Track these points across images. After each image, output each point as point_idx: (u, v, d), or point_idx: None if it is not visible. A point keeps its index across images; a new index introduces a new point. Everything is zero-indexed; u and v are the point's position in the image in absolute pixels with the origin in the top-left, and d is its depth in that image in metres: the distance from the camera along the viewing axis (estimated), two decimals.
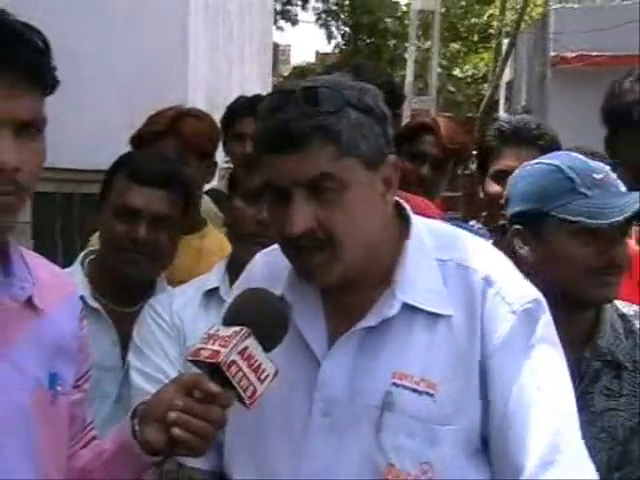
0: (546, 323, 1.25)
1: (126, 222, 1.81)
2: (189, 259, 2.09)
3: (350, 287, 1.23)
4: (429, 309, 1.22)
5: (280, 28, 18.64)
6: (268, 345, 1.15)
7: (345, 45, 18.09)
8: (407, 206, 1.30)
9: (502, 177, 2.07)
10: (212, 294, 1.75)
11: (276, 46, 15.73)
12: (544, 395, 1.20)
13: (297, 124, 1.15)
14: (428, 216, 1.48)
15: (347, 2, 17.47)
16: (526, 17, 13.52)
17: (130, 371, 1.73)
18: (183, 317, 1.73)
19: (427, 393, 1.20)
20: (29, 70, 1.09)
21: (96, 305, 1.83)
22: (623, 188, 1.51)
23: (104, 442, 1.28)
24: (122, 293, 1.86)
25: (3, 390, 1.14)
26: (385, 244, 1.24)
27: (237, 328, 1.13)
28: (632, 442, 1.51)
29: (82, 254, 1.93)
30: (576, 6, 13.10)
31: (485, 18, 17.46)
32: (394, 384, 1.20)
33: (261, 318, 1.16)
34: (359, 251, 1.20)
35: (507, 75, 14.09)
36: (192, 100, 4.28)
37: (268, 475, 1.25)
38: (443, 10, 17.24)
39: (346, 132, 1.16)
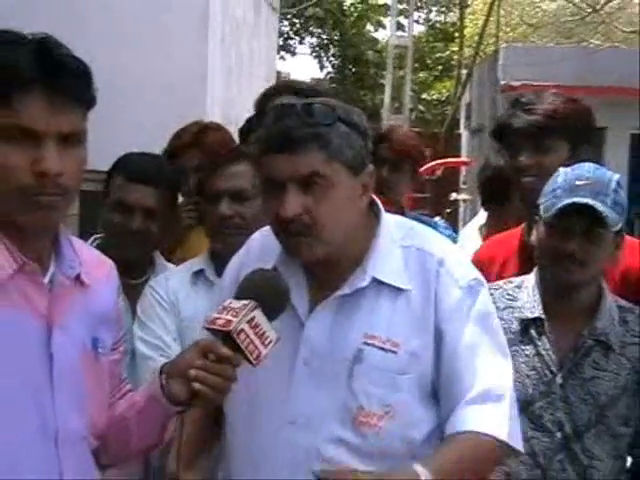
0: (484, 296, 1.31)
1: (122, 214, 1.80)
2: (203, 244, 2.06)
3: (329, 264, 1.27)
4: (393, 283, 1.27)
5: (282, 58, 18.69)
6: (271, 316, 1.15)
7: (334, 73, 18.06)
8: (379, 203, 1.34)
9: None
10: (199, 275, 1.75)
11: (279, 73, 15.70)
12: (481, 350, 1.26)
13: (297, 131, 1.19)
14: None
15: (336, 38, 17.46)
16: (480, 53, 13.55)
17: (134, 340, 1.72)
18: (177, 294, 1.73)
19: (391, 351, 1.25)
20: (72, 92, 1.08)
21: None
22: (606, 195, 1.47)
23: (137, 394, 1.27)
24: (126, 270, 1.86)
25: (58, 351, 1.15)
26: (359, 232, 1.29)
27: (246, 302, 1.14)
28: (609, 408, 1.52)
29: (90, 240, 1.93)
30: (520, 45, 13.14)
31: (447, 53, 17.52)
32: (365, 343, 1.25)
33: (266, 294, 1.17)
34: (337, 236, 1.24)
35: (466, 98, 14.12)
36: (210, 116, 4.26)
37: (257, 412, 1.29)
38: (414, 46, 17.37)
39: (335, 141, 1.20)
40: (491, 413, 1.23)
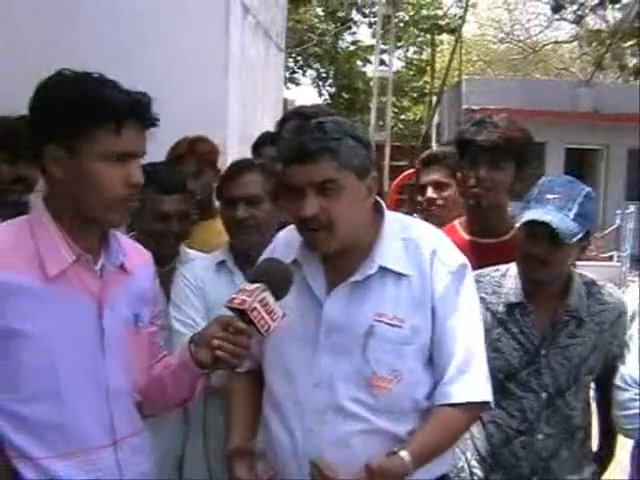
0: (469, 279, 1.30)
1: (161, 221, 1.80)
2: (213, 237, 2.07)
3: (343, 255, 1.26)
4: (396, 269, 1.25)
5: (288, 88, 18.68)
6: (279, 295, 1.15)
7: (330, 99, 18.03)
8: (383, 203, 1.32)
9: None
10: (221, 265, 1.74)
11: (286, 99, 15.62)
12: (464, 327, 1.26)
13: (312, 145, 1.19)
14: None
15: (332, 71, 17.42)
16: (447, 83, 13.54)
17: (170, 319, 1.71)
18: (204, 280, 1.73)
19: (397, 326, 1.23)
20: (149, 121, 1.14)
21: None
22: (569, 209, 1.43)
23: (172, 358, 1.27)
24: (158, 260, 1.86)
25: (108, 324, 1.17)
26: (366, 228, 1.27)
27: (258, 284, 1.14)
28: (581, 367, 1.52)
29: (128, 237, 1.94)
30: (478, 77, 13.10)
31: (421, 83, 17.47)
32: (375, 320, 1.23)
33: (274, 278, 1.17)
34: (348, 231, 1.23)
35: (436, 119, 14.11)
36: (230, 135, 4.26)
37: (289, 378, 1.27)
38: (394, 77, 17.33)
39: (344, 152, 1.20)
40: (467, 382, 1.23)
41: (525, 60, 16.02)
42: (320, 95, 18.58)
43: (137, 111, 1.12)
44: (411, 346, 1.23)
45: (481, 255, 1.64)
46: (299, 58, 17.75)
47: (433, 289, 1.25)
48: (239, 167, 1.76)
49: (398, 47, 17.87)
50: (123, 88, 1.14)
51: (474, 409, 1.26)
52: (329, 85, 18.28)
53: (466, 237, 1.80)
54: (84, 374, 1.14)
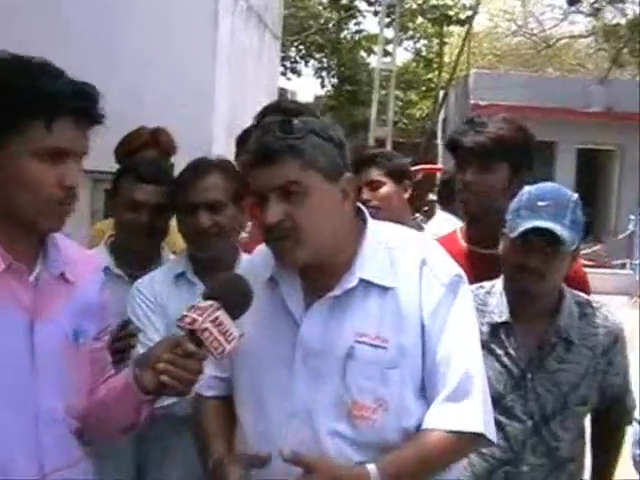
0: (465, 292, 1.20)
1: (132, 211, 1.72)
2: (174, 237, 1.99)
3: (320, 270, 1.17)
4: (379, 282, 1.16)
5: (289, 78, 18.63)
6: (234, 315, 1.07)
7: (333, 91, 17.95)
8: (365, 210, 1.25)
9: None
10: (181, 277, 1.66)
11: (285, 90, 15.57)
12: (459, 348, 1.16)
13: (273, 145, 1.12)
14: None
15: (334, 62, 17.35)
16: (455, 77, 13.49)
17: None
18: (163, 295, 1.64)
19: (381, 346, 1.14)
20: (93, 116, 1.08)
21: (119, 272, 1.74)
22: (564, 216, 1.40)
23: (116, 380, 1.20)
24: (136, 262, 1.79)
25: (40, 340, 1.10)
26: (346, 238, 1.18)
27: (211, 302, 1.07)
28: (571, 395, 1.46)
29: (106, 236, 1.85)
30: (487, 71, 13.07)
31: (429, 77, 17.39)
32: (356, 341, 1.14)
33: (230, 295, 1.09)
34: (318, 239, 1.14)
35: (442, 115, 14.05)
36: (215, 127, 4.17)
37: (262, 409, 1.19)
38: (402, 70, 17.28)
39: (309, 151, 1.12)
40: (460, 408, 1.13)
41: (538, 55, 15.93)
42: (322, 86, 18.54)
43: (75, 105, 1.04)
44: (397, 369, 1.14)
45: (478, 266, 1.58)
46: (301, 47, 17.67)
47: (422, 304, 1.16)
48: (198, 169, 1.65)
49: (406, 38, 17.84)
50: (68, 78, 1.07)
51: (465, 440, 1.15)
52: (332, 76, 18.21)
53: (463, 245, 1.74)
54: (9, 396, 1.07)
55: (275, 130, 1.13)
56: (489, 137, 1.64)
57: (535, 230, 1.39)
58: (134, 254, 1.78)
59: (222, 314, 1.07)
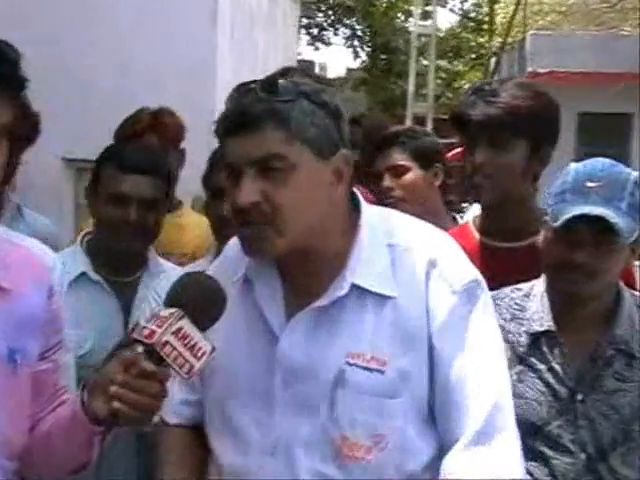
0: (485, 302, 1.11)
1: (118, 207, 1.69)
2: (172, 234, 1.99)
3: (305, 269, 1.09)
4: (376, 290, 1.08)
5: (317, 48, 18.52)
6: (203, 325, 1.00)
7: (368, 62, 17.80)
8: (360, 195, 1.15)
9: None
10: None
11: (311, 62, 15.54)
12: (481, 373, 1.06)
13: (252, 108, 1.03)
14: None
15: (368, 27, 17.19)
16: (509, 40, 13.18)
17: None
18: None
19: (377, 370, 1.06)
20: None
21: (97, 278, 1.71)
22: (620, 200, 1.30)
23: (64, 409, 1.13)
24: (119, 266, 1.75)
25: None
26: (336, 229, 1.10)
27: (172, 310, 0.99)
28: (636, 422, 1.34)
29: (81, 235, 1.81)
30: (546, 32, 12.74)
31: (479, 42, 17.09)
32: (347, 363, 1.06)
33: (196, 300, 1.02)
34: (302, 229, 1.05)
35: None
36: (219, 103, 4.17)
37: (238, 443, 1.12)
38: (447, 35, 16.99)
39: (296, 118, 1.03)
40: (489, 453, 1.03)
41: (611, 10, 15.37)
42: (356, 57, 18.41)
43: None
44: (398, 399, 1.05)
45: (493, 262, 1.50)
46: (330, 13, 17.59)
47: (430, 316, 1.06)
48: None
49: None
50: None
51: None
52: (365, 44, 18.06)
53: (476, 238, 1.66)
54: None
55: (256, 90, 1.03)
56: (501, 108, 1.54)
57: (583, 218, 1.29)
58: (116, 257, 1.74)
59: (187, 324, 1.00)
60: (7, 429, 1.08)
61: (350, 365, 1.06)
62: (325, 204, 1.07)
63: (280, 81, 1.04)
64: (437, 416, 1.07)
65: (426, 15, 12.64)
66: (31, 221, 2.03)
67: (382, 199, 2.08)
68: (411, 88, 10.54)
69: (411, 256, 1.09)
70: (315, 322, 1.08)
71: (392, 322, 1.07)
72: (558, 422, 1.35)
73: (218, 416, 1.15)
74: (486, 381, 1.06)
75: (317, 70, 16.79)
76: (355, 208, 1.14)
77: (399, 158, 2.09)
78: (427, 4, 11.71)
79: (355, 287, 1.07)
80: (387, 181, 2.08)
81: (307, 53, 19.02)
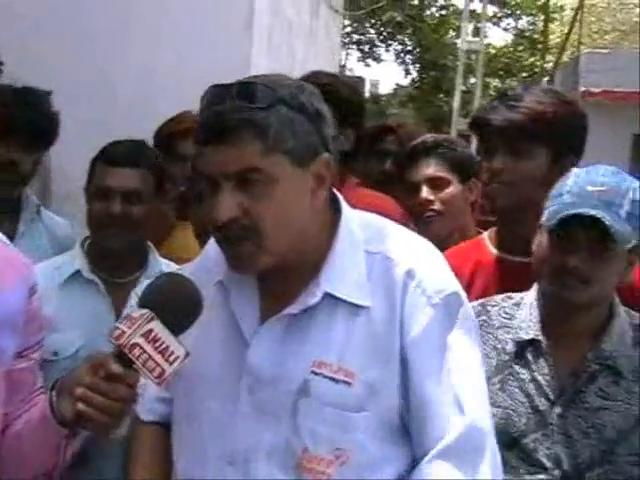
0: (464, 315, 1.06)
1: (102, 201, 1.67)
2: (181, 238, 1.96)
3: (282, 275, 1.06)
4: (349, 300, 1.04)
5: (367, 65, 18.62)
6: (175, 328, 0.96)
7: (418, 78, 17.75)
8: (341, 198, 1.12)
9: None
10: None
11: (360, 78, 15.57)
12: (458, 389, 1.02)
13: (228, 117, 0.98)
14: (388, 214, 1.30)
15: (418, 44, 17.13)
16: (563, 58, 12.92)
17: None
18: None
19: (344, 381, 1.02)
20: None
21: (92, 277, 1.69)
22: (619, 206, 1.25)
23: (35, 409, 1.11)
24: (116, 266, 1.72)
25: None
26: (315, 236, 1.06)
27: (143, 311, 0.96)
28: (618, 444, 1.28)
29: (83, 236, 1.80)
30: (602, 50, 12.40)
31: (531, 60, 16.87)
32: (313, 372, 1.03)
33: (168, 303, 0.99)
34: (285, 242, 1.02)
35: None
36: None
37: (201, 447, 1.09)
38: (499, 52, 16.77)
39: (274, 128, 0.99)
40: (473, 466, 1.00)
41: None
42: (407, 74, 18.38)
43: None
44: (364, 412, 1.02)
45: (509, 278, 1.47)
46: (381, 29, 17.63)
47: (405, 328, 1.02)
48: None
49: (505, 15, 17.36)
50: None
51: None
52: (416, 61, 18.01)
53: (492, 252, 1.59)
54: None
55: (231, 97, 0.99)
56: (523, 113, 1.48)
57: (579, 221, 1.23)
58: (109, 254, 1.72)
59: (157, 326, 0.97)
60: None
61: (316, 374, 1.03)
62: (307, 212, 1.04)
63: (258, 86, 1.00)
64: (411, 430, 1.04)
65: (478, 32, 12.51)
66: (49, 222, 2.05)
67: (417, 211, 2.00)
68: (456, 105, 10.42)
69: (389, 265, 1.05)
70: (285, 329, 1.06)
71: (364, 333, 1.03)
72: (535, 435, 1.29)
73: (182, 421, 1.14)
74: (463, 398, 1.02)
75: (368, 86, 16.85)
76: (335, 211, 1.10)
77: (439, 169, 2.00)
78: (479, 21, 11.56)
79: (328, 295, 1.04)
80: (425, 193, 1.99)
81: (359, 69, 19.09)
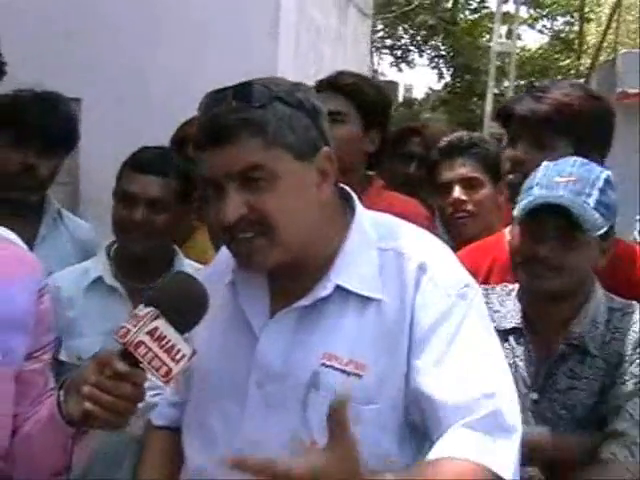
0: (478, 306, 1.08)
1: (126, 206, 1.68)
2: (207, 244, 1.92)
3: (292, 272, 1.08)
4: (361, 292, 1.06)
5: (400, 69, 18.58)
6: (180, 327, 0.96)
7: (451, 83, 17.58)
8: (355, 197, 1.14)
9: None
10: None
11: (393, 83, 15.51)
12: (481, 375, 1.02)
13: (225, 119, 1.01)
14: (414, 217, 1.34)
15: (450, 47, 16.99)
16: (599, 59, 12.66)
17: None
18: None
19: (355, 374, 1.03)
20: None
21: (114, 284, 1.71)
22: (588, 195, 1.28)
23: (44, 408, 1.11)
24: (140, 271, 1.73)
25: None
26: (327, 231, 1.08)
27: (148, 309, 0.96)
28: (590, 422, 1.32)
29: (108, 242, 1.81)
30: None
31: (567, 62, 16.59)
32: (323, 364, 1.05)
33: (173, 301, 1.00)
34: (295, 235, 1.04)
35: None
36: None
37: (209, 439, 1.11)
38: (533, 55, 16.51)
39: (272, 124, 1.01)
40: (498, 446, 0.99)
41: None
42: (440, 78, 18.25)
43: None
44: (374, 405, 1.03)
45: None
46: (413, 33, 17.52)
47: (417, 320, 1.03)
48: None
49: (540, 16, 17.09)
50: None
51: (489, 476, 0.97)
52: (449, 65, 17.87)
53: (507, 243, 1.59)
54: None
55: (227, 100, 1.02)
56: (548, 104, 1.50)
57: (548, 209, 1.26)
58: (133, 258, 1.73)
59: (163, 324, 0.96)
60: None
61: (325, 367, 1.04)
62: (314, 206, 1.06)
63: (254, 86, 1.03)
64: (426, 422, 1.02)
65: (511, 34, 12.33)
66: (71, 225, 2.07)
67: (448, 212, 1.98)
68: (488, 108, 10.27)
69: (401, 260, 1.07)
70: (296, 322, 1.07)
71: (375, 326, 1.05)
72: None
73: (192, 417, 1.16)
74: (486, 384, 1.01)
75: (402, 91, 16.77)
76: (348, 208, 1.13)
77: (473, 170, 1.97)
78: (512, 23, 11.39)
79: (339, 288, 1.06)
80: (458, 193, 1.97)
81: (392, 74, 19.01)
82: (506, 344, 1.37)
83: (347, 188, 1.14)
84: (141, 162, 1.70)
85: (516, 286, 1.43)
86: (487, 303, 1.37)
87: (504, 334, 1.37)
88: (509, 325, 1.39)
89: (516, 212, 1.33)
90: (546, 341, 1.36)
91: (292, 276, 1.08)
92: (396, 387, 1.03)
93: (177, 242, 1.89)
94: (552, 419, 1.32)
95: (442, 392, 1.00)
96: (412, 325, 1.03)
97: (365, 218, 1.11)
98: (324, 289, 1.05)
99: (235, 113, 1.00)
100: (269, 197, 1.01)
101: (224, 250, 1.19)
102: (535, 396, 1.34)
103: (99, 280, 1.72)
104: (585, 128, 1.49)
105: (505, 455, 0.98)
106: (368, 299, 1.05)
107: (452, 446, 0.97)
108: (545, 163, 1.37)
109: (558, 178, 1.29)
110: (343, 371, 1.03)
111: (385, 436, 1.04)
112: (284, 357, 1.06)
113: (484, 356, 1.03)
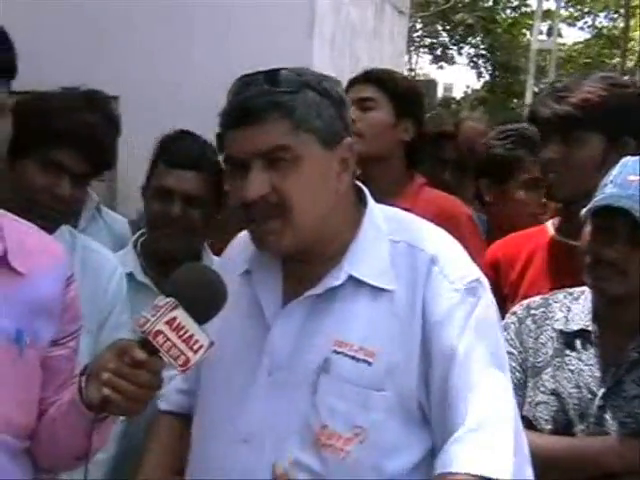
0: (486, 302, 1.08)
1: (162, 202, 1.64)
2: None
3: (306, 259, 1.10)
4: (373, 283, 1.07)
5: (441, 67, 18.41)
6: (199, 317, 0.97)
7: (490, 81, 17.34)
8: (367, 192, 1.15)
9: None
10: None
11: (432, 81, 15.35)
12: (481, 370, 1.03)
13: (256, 100, 1.03)
14: (457, 215, 1.39)
15: (490, 46, 16.73)
16: None
17: None
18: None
19: (364, 360, 1.05)
20: None
21: (144, 279, 1.69)
22: None
23: (67, 393, 1.13)
24: (169, 267, 1.70)
25: None
26: (340, 222, 1.10)
27: (167, 299, 0.99)
28: None
29: (135, 236, 1.78)
30: None
31: (613, 61, 16.22)
32: (334, 351, 1.06)
33: (192, 292, 0.99)
34: (310, 220, 1.06)
35: None
36: None
37: (213, 425, 1.12)
38: (574, 52, 16.13)
39: (300, 109, 1.04)
40: (481, 447, 1.00)
41: None
42: (479, 77, 18.00)
43: None
44: (383, 392, 1.03)
45: (561, 259, 1.53)
46: (452, 32, 17.31)
47: (427, 311, 1.04)
48: None
49: (582, 13, 16.71)
50: None
51: None
52: (489, 64, 17.60)
53: (550, 235, 1.63)
54: None
55: (259, 84, 1.04)
56: (570, 103, 1.50)
57: (617, 210, 1.22)
58: (165, 257, 1.68)
59: (181, 314, 0.96)
60: (11, 407, 1.07)
61: (337, 353, 1.05)
62: (332, 194, 1.08)
63: (283, 72, 1.05)
64: (432, 412, 1.04)
65: (551, 31, 12.06)
66: (109, 220, 2.05)
67: (513, 214, 1.98)
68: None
69: (412, 252, 1.08)
70: (308, 311, 1.08)
71: (386, 315, 1.05)
72: (581, 427, 1.30)
73: (202, 404, 1.17)
74: (483, 382, 1.02)
75: (441, 90, 16.60)
76: (361, 203, 1.14)
77: (535, 169, 1.92)
78: (553, 20, 11.12)
79: (351, 278, 1.07)
80: (522, 195, 1.99)
81: (432, 73, 18.81)
82: (570, 350, 1.34)
83: (360, 184, 1.14)
84: (177, 157, 1.65)
85: (584, 290, 1.39)
86: (545, 312, 1.38)
87: (571, 337, 1.34)
88: (576, 327, 1.35)
89: (585, 210, 1.30)
90: (615, 346, 1.31)
91: (305, 264, 1.09)
92: (408, 375, 1.03)
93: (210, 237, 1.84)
94: (614, 426, 1.28)
95: (452, 395, 1.02)
96: (424, 316, 1.04)
97: (377, 212, 1.13)
98: (336, 279, 1.07)
99: (265, 96, 1.02)
100: (291, 179, 1.03)
101: (236, 241, 1.23)
102: (600, 402, 1.29)
103: (129, 276, 1.68)
104: (612, 117, 1.47)
105: (503, 456, 1.00)
106: (380, 290, 1.06)
107: (453, 460, 0.99)
108: (623, 160, 1.32)
109: (631, 177, 1.25)
110: (353, 357, 1.04)
111: (393, 424, 1.03)
112: (295, 344, 1.07)
113: (485, 355, 1.03)
